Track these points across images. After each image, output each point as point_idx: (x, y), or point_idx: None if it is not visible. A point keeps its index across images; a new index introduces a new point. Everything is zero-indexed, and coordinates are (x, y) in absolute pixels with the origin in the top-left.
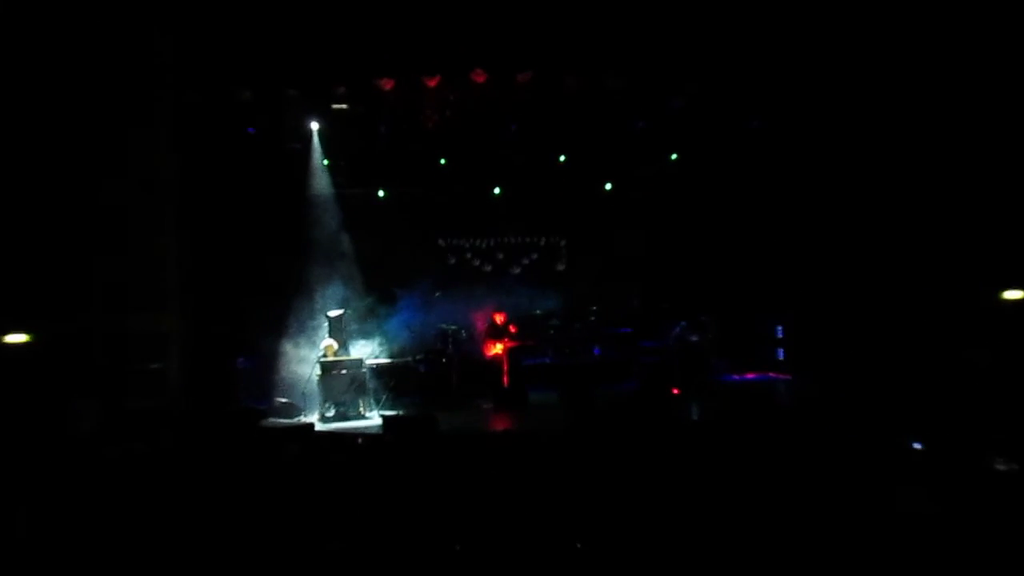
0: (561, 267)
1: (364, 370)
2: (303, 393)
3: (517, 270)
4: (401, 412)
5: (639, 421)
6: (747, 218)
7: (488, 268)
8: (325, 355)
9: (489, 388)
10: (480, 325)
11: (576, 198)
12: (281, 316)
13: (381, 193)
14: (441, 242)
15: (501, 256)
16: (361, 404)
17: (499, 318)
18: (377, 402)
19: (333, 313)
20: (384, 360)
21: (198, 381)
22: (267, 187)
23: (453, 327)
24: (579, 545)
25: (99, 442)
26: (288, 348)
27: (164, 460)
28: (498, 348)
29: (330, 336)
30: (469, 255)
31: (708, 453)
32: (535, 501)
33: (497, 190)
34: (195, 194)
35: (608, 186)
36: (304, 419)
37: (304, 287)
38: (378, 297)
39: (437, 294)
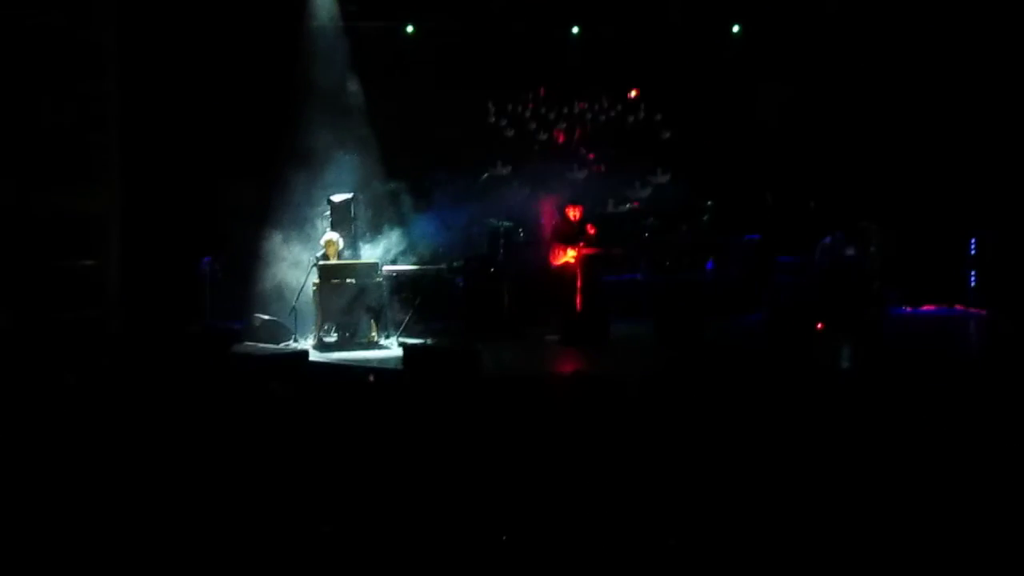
0: (664, 137)
1: (380, 280)
2: (294, 308)
3: (598, 147)
4: (429, 342)
5: (766, 367)
6: (936, 85)
7: (558, 142)
8: (325, 256)
9: (554, 312)
10: (545, 223)
11: (687, 41)
12: (264, 198)
13: (410, 29)
14: (492, 104)
15: (576, 126)
16: (374, 327)
17: (572, 214)
18: (396, 326)
19: (338, 197)
20: (408, 267)
21: (146, 286)
22: (249, 18)
23: (506, 224)
24: (673, 542)
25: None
26: (273, 244)
27: (97, 397)
28: (569, 256)
29: (333, 230)
30: (531, 124)
31: (864, 420)
32: (615, 475)
33: (575, 29)
34: (145, 21)
35: (737, 28)
36: (294, 345)
37: (297, 159)
38: (403, 184)
39: (485, 175)
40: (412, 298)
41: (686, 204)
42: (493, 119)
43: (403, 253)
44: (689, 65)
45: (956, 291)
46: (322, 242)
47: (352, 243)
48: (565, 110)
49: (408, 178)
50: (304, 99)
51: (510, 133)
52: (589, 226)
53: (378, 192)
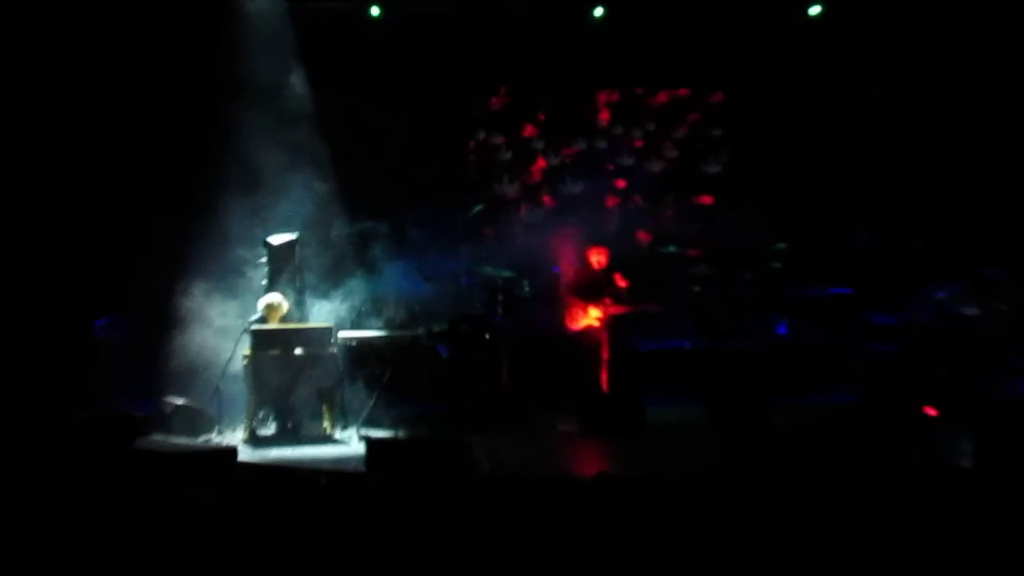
0: (714, 168)
1: (334, 350)
2: (218, 390)
3: (629, 165)
4: (401, 434)
5: (858, 470)
6: None
7: (574, 162)
8: (262, 320)
9: (571, 392)
10: (564, 271)
11: (751, 26)
12: (180, 238)
13: (376, 11)
14: (481, 107)
15: (600, 140)
16: (326, 415)
17: (596, 259)
18: (357, 413)
19: (278, 239)
20: (374, 333)
21: (17, 357)
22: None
23: (506, 274)
24: None
25: None
26: (192, 301)
27: None
28: (592, 318)
29: (272, 282)
30: (538, 138)
31: (995, 545)
32: None
33: (598, 11)
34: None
35: (816, 9)
36: (218, 439)
37: (226, 185)
38: (368, 220)
39: (478, 208)
40: (379, 374)
41: (750, 245)
42: (486, 134)
43: (367, 314)
44: (755, 59)
45: None
46: (261, 305)
47: (298, 300)
48: (582, 107)
49: (375, 212)
50: (234, 105)
51: (507, 155)
52: (618, 276)
53: (334, 231)
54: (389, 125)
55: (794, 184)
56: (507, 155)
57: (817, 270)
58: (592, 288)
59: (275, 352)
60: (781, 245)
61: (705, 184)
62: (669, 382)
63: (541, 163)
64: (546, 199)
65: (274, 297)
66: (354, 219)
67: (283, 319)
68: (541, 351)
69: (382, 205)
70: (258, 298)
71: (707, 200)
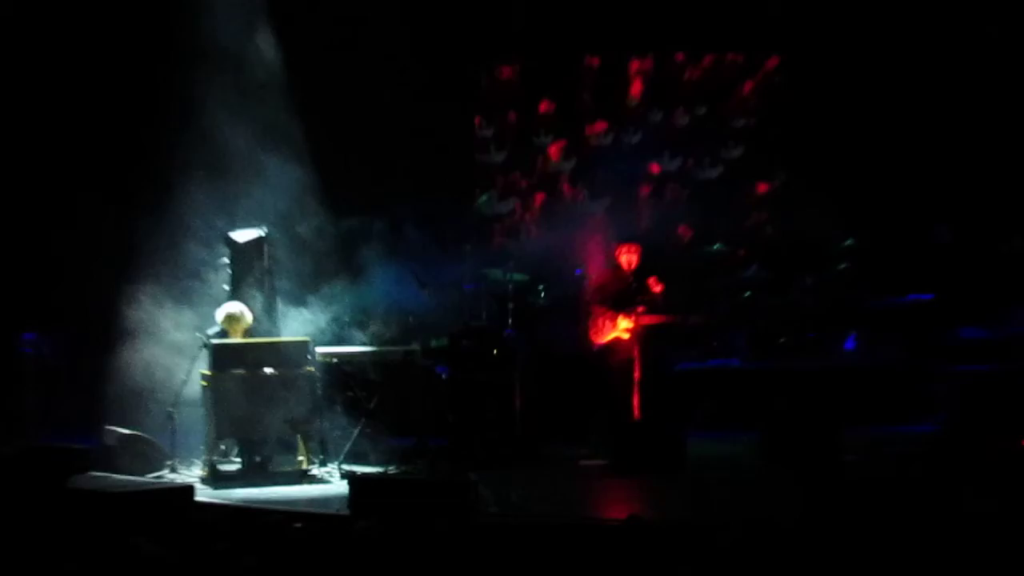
0: (768, 150)
1: (312, 369)
2: (170, 418)
3: (666, 147)
4: (392, 470)
5: (944, 516)
6: None
7: (600, 144)
8: (222, 333)
9: (596, 420)
10: (588, 275)
11: None
12: (124, 235)
13: None
14: (489, 78)
15: (631, 116)
16: (302, 447)
17: (626, 259)
18: (339, 445)
19: (243, 235)
20: (360, 349)
21: None
22: None
23: (519, 278)
24: None
25: None
26: (140, 311)
27: None
28: (621, 330)
29: (235, 292)
30: (557, 115)
31: None
32: None
33: None
34: None
35: None
36: (172, 476)
37: (179, 173)
38: (354, 215)
39: (484, 197)
40: (365, 399)
41: (812, 243)
42: (495, 111)
43: (351, 326)
44: (818, 15)
45: None
46: (219, 316)
47: (267, 309)
48: (611, 94)
49: (362, 205)
50: (190, 75)
51: (520, 137)
52: (652, 280)
53: (312, 228)
54: (379, 100)
55: (865, 169)
56: (520, 136)
57: (893, 273)
58: (621, 294)
59: (240, 372)
60: (849, 242)
61: (758, 169)
62: (714, 408)
63: (560, 145)
64: (566, 188)
65: (234, 307)
66: (337, 213)
67: (248, 332)
68: (560, 371)
69: (370, 196)
70: (219, 306)
71: (762, 188)
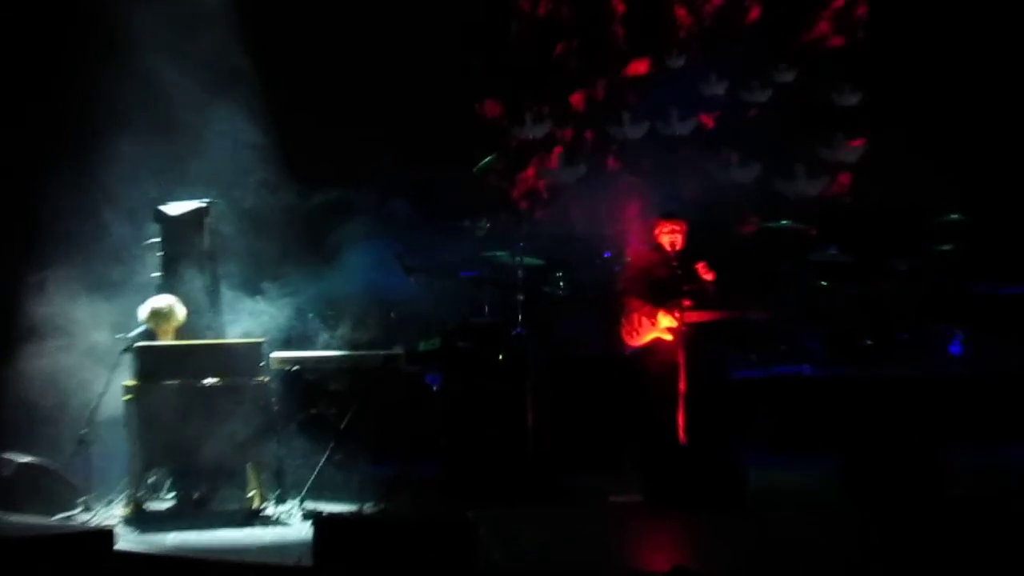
0: (851, 99)
1: (266, 379)
2: (83, 442)
3: (720, 95)
4: (368, 508)
5: None
6: None
7: (635, 91)
8: (149, 334)
9: (630, 442)
10: (625, 259)
11: None
12: (25, 210)
13: None
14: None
15: (674, 55)
16: (254, 479)
17: (668, 239)
18: (299, 477)
19: (178, 208)
20: (328, 354)
21: None
22: None
23: (532, 264)
24: None
25: None
26: (45, 309)
27: None
28: (662, 328)
29: (168, 280)
30: (578, 54)
31: None
32: None
33: None
34: None
35: None
36: (86, 515)
37: (102, 130)
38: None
39: (487, 160)
40: (334, 416)
41: (907, 217)
42: (500, 50)
43: (317, 323)
44: None
45: None
46: (143, 312)
47: (208, 302)
48: (650, 26)
49: (332, 171)
50: (120, 6)
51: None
52: (702, 265)
53: (268, 198)
54: (357, 42)
55: (973, 128)
56: (532, 82)
57: (1012, 257)
58: (662, 284)
59: (173, 383)
60: (956, 216)
61: (838, 123)
62: (781, 428)
63: (584, 93)
64: (591, 146)
65: (161, 300)
66: (301, 180)
67: (181, 332)
68: (584, 380)
69: (344, 160)
70: (144, 305)
71: (854, 143)
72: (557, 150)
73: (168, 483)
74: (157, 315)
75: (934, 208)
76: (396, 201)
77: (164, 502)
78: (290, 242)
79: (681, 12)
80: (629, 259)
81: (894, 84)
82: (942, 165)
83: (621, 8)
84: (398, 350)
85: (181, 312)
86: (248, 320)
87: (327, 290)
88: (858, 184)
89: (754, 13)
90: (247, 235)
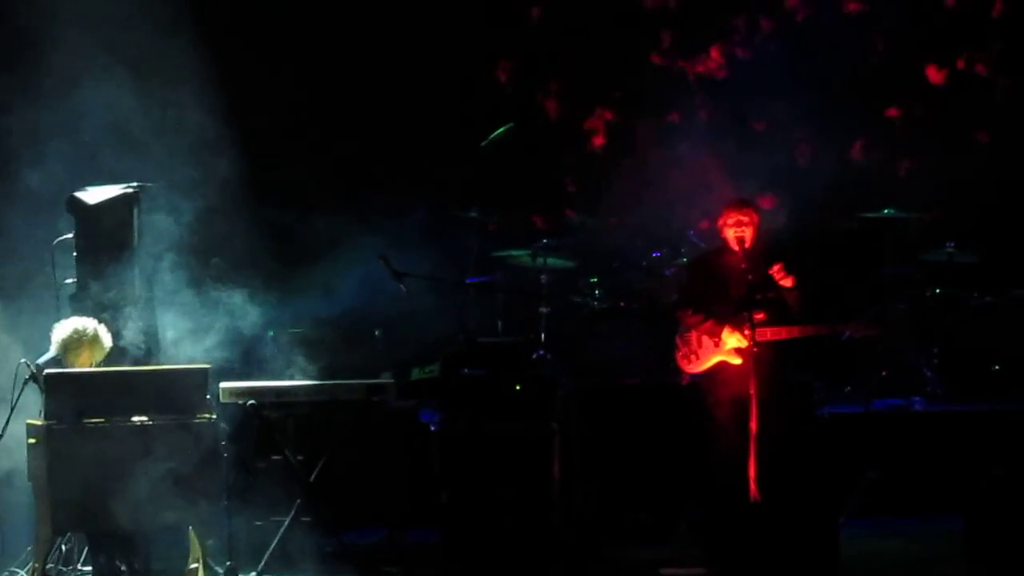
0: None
1: (213, 416)
2: None
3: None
4: None
5: None
6: None
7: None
8: (60, 362)
9: (691, 500)
10: (688, 260)
11: None
12: None
13: None
14: None
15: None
16: (195, 548)
17: (735, 235)
18: (258, 544)
19: (98, 195)
20: (293, 384)
21: None
22: None
23: (555, 264)
24: None
25: None
26: None
27: None
28: (729, 351)
29: (81, 294)
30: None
31: None
32: None
33: None
34: None
35: None
36: None
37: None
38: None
39: (501, 131)
40: (301, 466)
41: None
42: None
43: (280, 345)
44: None
45: None
46: (57, 337)
47: (138, 318)
48: None
49: (300, 149)
50: None
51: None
52: (780, 268)
53: (221, 185)
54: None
55: None
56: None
57: None
58: (731, 290)
59: (92, 422)
60: None
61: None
62: (884, 479)
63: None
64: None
65: (79, 325)
66: (262, 160)
67: (104, 361)
68: (627, 418)
69: (316, 136)
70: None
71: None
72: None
73: (84, 553)
74: (72, 343)
75: None
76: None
77: None
78: (244, 239)
79: None
80: (686, 260)
81: None
82: None
83: None
84: (385, 379)
85: (106, 338)
86: (189, 342)
87: (293, 301)
88: (987, 163)
89: None
90: (189, 231)
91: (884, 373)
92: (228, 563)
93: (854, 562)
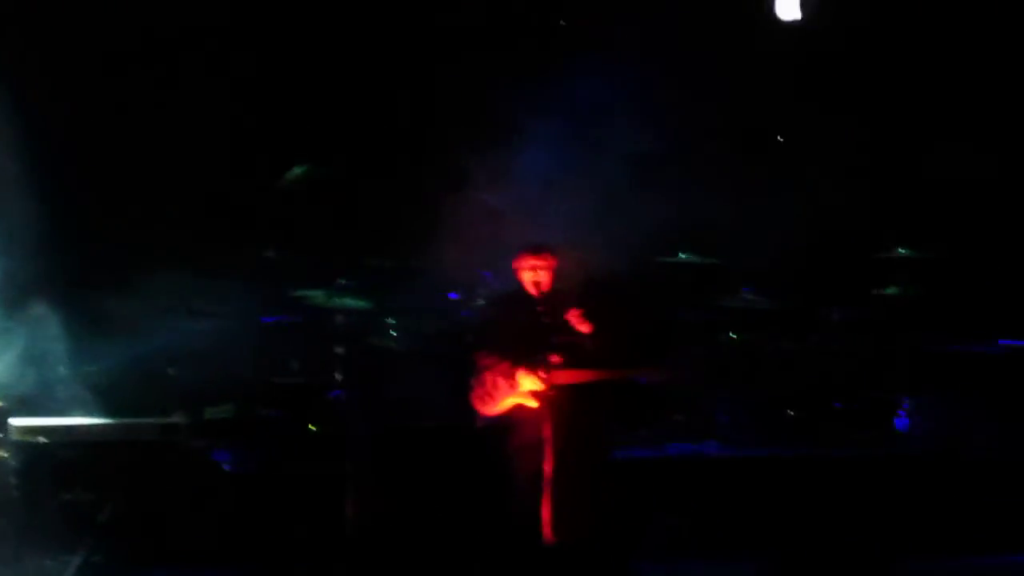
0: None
1: (5, 455)
2: None
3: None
4: None
5: None
6: None
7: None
8: None
9: (486, 544)
10: (484, 303)
11: None
12: None
13: None
14: None
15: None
16: None
17: (532, 278)
18: None
19: None
20: (84, 422)
21: None
22: None
23: (353, 304)
24: None
25: None
26: None
27: None
28: (524, 394)
29: None
30: None
31: None
32: None
33: None
34: None
35: None
36: None
37: None
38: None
39: (298, 171)
40: (92, 506)
41: (843, 251)
42: None
43: (70, 382)
44: None
45: None
46: None
47: None
48: None
49: (79, 172)
50: None
51: None
52: (575, 313)
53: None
54: None
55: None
56: None
57: (976, 305)
58: (524, 336)
59: None
60: (905, 252)
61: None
62: (676, 525)
63: None
64: None
65: None
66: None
67: None
68: (423, 461)
69: (100, 153)
70: None
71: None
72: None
73: None
74: None
75: (879, 241)
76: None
77: None
78: (27, 265)
79: None
80: (483, 302)
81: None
82: (885, 188)
83: None
84: (179, 418)
85: None
86: None
87: (80, 337)
88: (778, 206)
89: None
90: None
91: (679, 417)
92: None
93: None
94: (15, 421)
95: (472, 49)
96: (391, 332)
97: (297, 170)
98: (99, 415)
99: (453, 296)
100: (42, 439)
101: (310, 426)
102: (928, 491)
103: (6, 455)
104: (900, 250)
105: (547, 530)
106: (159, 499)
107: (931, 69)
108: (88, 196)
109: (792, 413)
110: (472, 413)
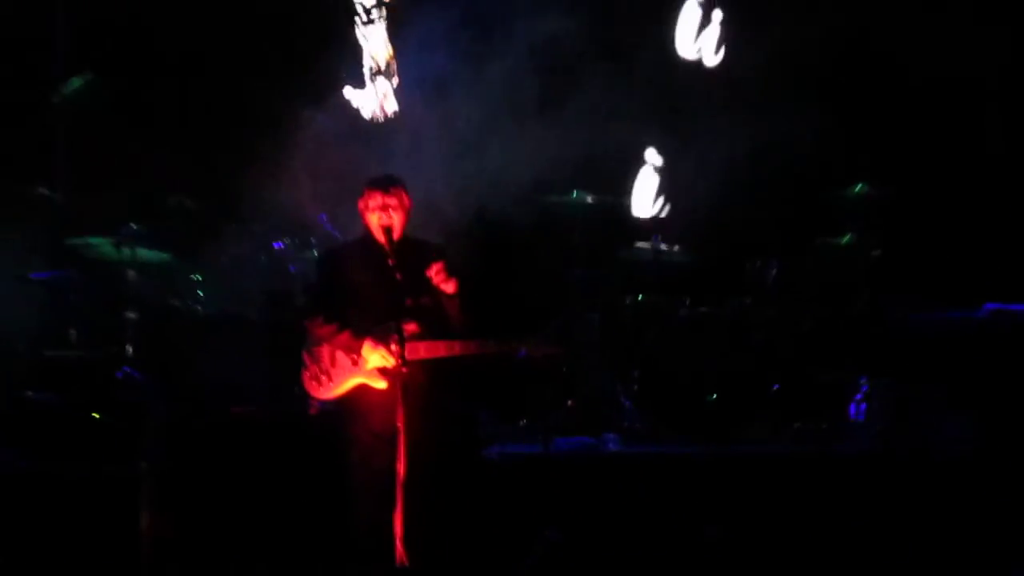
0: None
1: None
2: None
3: None
4: None
5: None
6: None
7: None
8: None
9: (321, 564)
10: (319, 254)
11: None
12: None
13: None
14: None
15: None
16: None
17: (379, 221)
18: None
19: None
20: None
21: None
22: None
23: (148, 257)
24: None
25: None
26: None
27: None
28: (369, 373)
29: None
30: None
31: None
32: None
33: None
34: None
35: None
36: None
37: None
38: None
39: (76, 82)
40: None
41: (786, 191)
42: None
43: None
44: None
45: None
46: None
47: None
48: None
49: None
50: None
51: None
52: (438, 268)
53: None
54: None
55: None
56: None
57: (953, 256)
58: (370, 296)
59: None
60: (860, 188)
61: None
62: (571, 537)
63: None
64: None
65: None
66: None
67: None
68: (239, 459)
69: None
70: None
71: None
72: None
73: None
74: None
75: (826, 175)
76: None
77: None
78: None
79: None
80: (318, 253)
81: None
82: (837, 104)
83: None
84: None
85: None
86: None
87: None
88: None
89: None
90: None
91: (570, 403)
92: None
93: None
94: None
95: None
96: (197, 292)
97: (75, 81)
98: None
99: (278, 246)
100: None
101: (93, 414)
102: (888, 502)
103: None
104: (855, 187)
105: (399, 548)
106: None
107: None
108: None
109: (715, 397)
110: (304, 397)
